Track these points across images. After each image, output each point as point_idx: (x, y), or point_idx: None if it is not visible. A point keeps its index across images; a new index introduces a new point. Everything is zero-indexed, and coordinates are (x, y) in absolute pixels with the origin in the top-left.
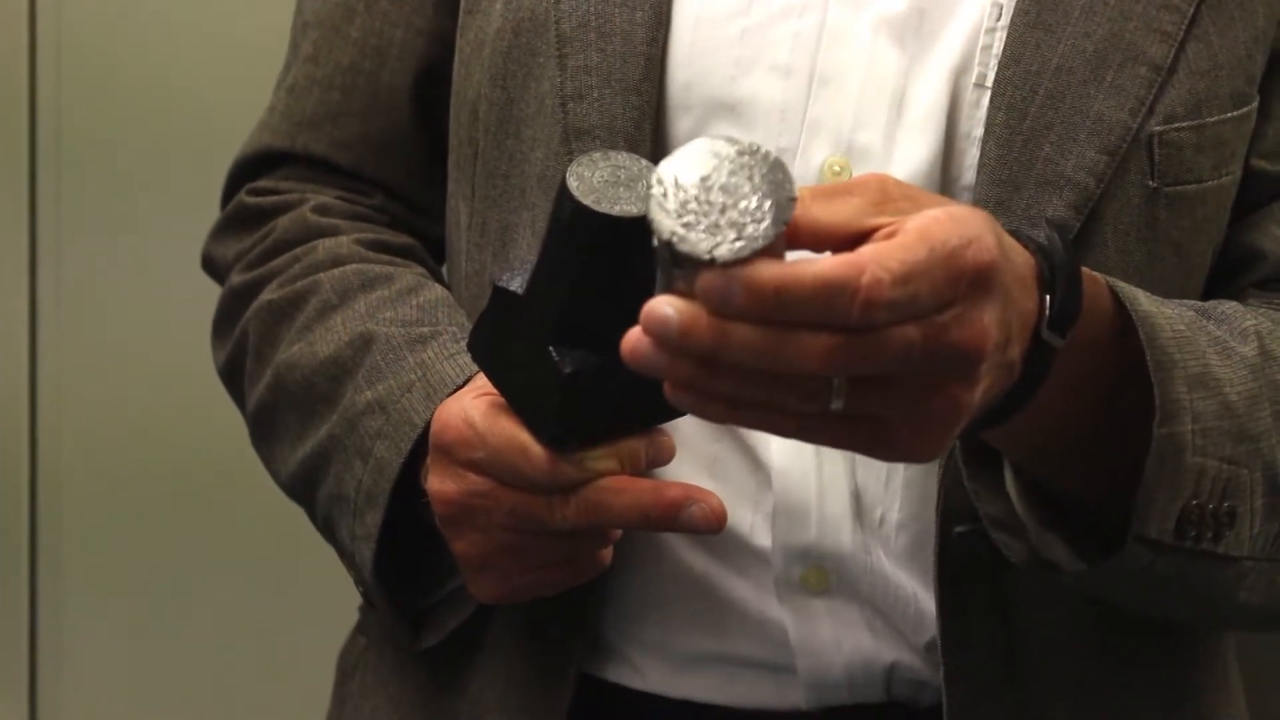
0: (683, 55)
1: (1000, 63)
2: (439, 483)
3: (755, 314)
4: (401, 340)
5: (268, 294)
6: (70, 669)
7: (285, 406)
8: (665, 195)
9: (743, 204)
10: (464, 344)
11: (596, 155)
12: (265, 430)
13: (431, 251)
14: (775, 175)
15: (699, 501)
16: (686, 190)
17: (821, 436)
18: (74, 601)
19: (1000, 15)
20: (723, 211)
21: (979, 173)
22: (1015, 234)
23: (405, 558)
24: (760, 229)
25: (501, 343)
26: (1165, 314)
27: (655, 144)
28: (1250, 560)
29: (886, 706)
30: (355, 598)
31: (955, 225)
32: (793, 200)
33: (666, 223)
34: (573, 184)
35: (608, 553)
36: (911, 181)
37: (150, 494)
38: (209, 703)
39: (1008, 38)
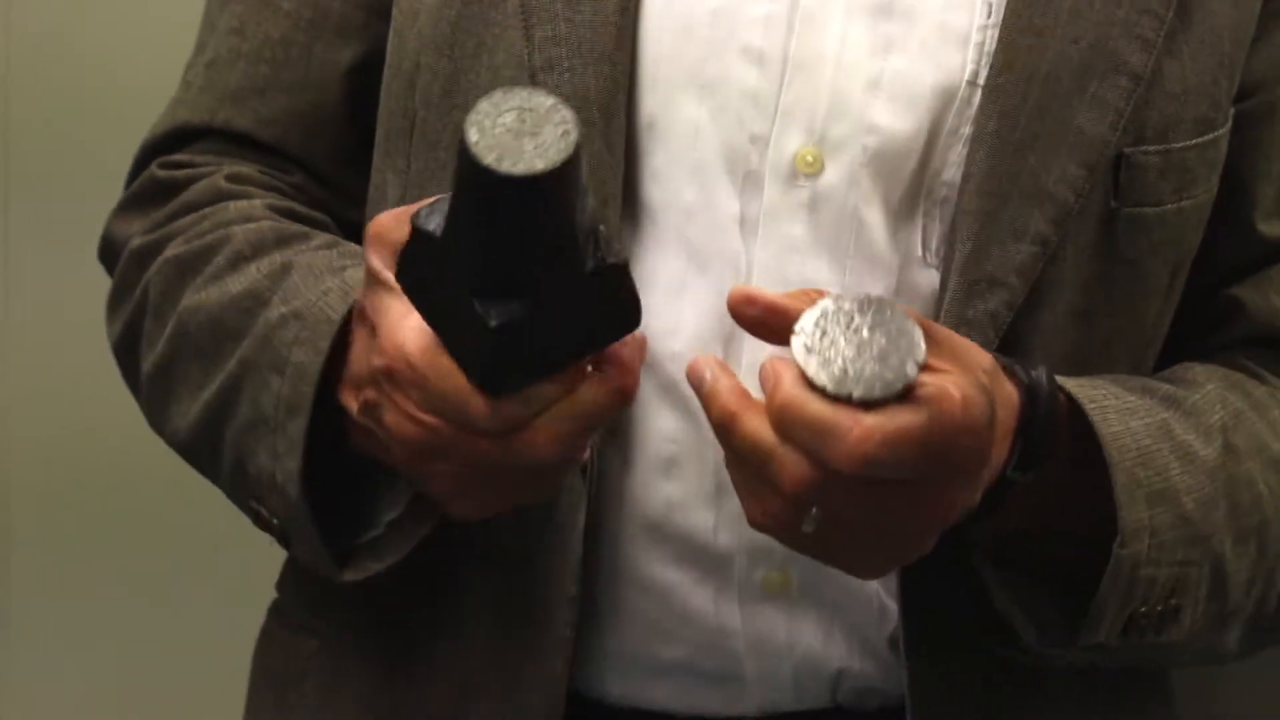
0: (653, 29)
1: (994, 66)
2: (395, 420)
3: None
4: (324, 267)
5: (171, 250)
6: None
7: (186, 356)
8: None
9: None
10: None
11: (498, 96)
12: (160, 392)
13: (345, 234)
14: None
15: (629, 352)
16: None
17: (786, 539)
18: (23, 606)
19: (990, 13)
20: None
21: (966, 180)
22: (1009, 369)
23: (322, 499)
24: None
25: (427, 281)
26: (1132, 429)
27: (628, 117)
28: (1188, 639)
29: (832, 712)
30: None
31: (963, 411)
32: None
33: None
34: (473, 139)
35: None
36: (883, 174)
37: (102, 498)
38: (161, 708)
39: (1000, 38)
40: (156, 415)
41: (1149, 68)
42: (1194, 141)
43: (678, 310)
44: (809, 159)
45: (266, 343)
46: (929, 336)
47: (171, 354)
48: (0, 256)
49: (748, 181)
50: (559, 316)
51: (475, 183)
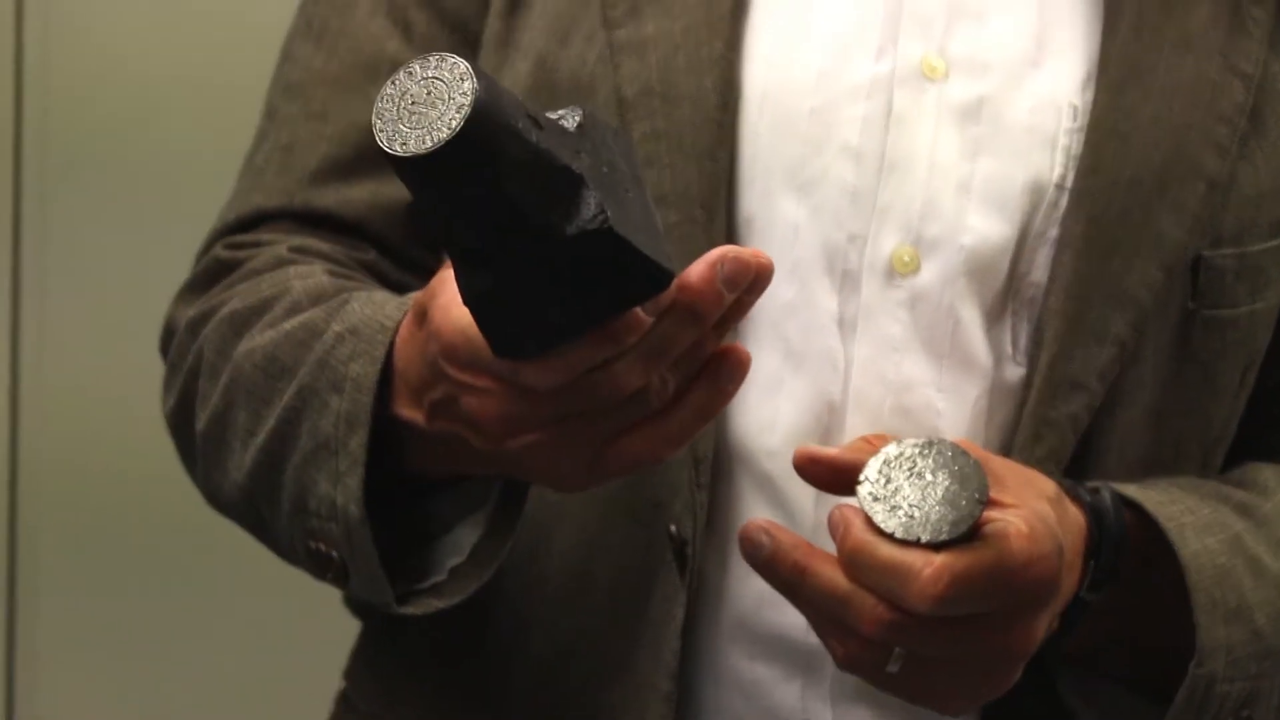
0: (752, 126)
1: (1080, 169)
2: (476, 403)
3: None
4: (384, 297)
5: (226, 309)
6: (48, 675)
7: (239, 403)
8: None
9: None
10: None
11: (414, 66)
12: (213, 448)
13: None
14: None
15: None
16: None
17: (873, 680)
18: (52, 607)
19: (1076, 116)
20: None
21: (1052, 282)
22: (1073, 493)
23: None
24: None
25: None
26: (1209, 547)
27: (728, 214)
28: None
29: None
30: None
31: (1030, 543)
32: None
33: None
34: (375, 122)
35: (741, 355)
36: (978, 274)
37: (131, 502)
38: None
39: (1086, 142)
40: (211, 476)
41: (1225, 173)
42: (1269, 244)
43: (774, 407)
44: (906, 258)
45: (323, 366)
46: (990, 471)
47: (225, 406)
48: (37, 257)
49: (846, 280)
50: (542, 281)
51: (392, 164)
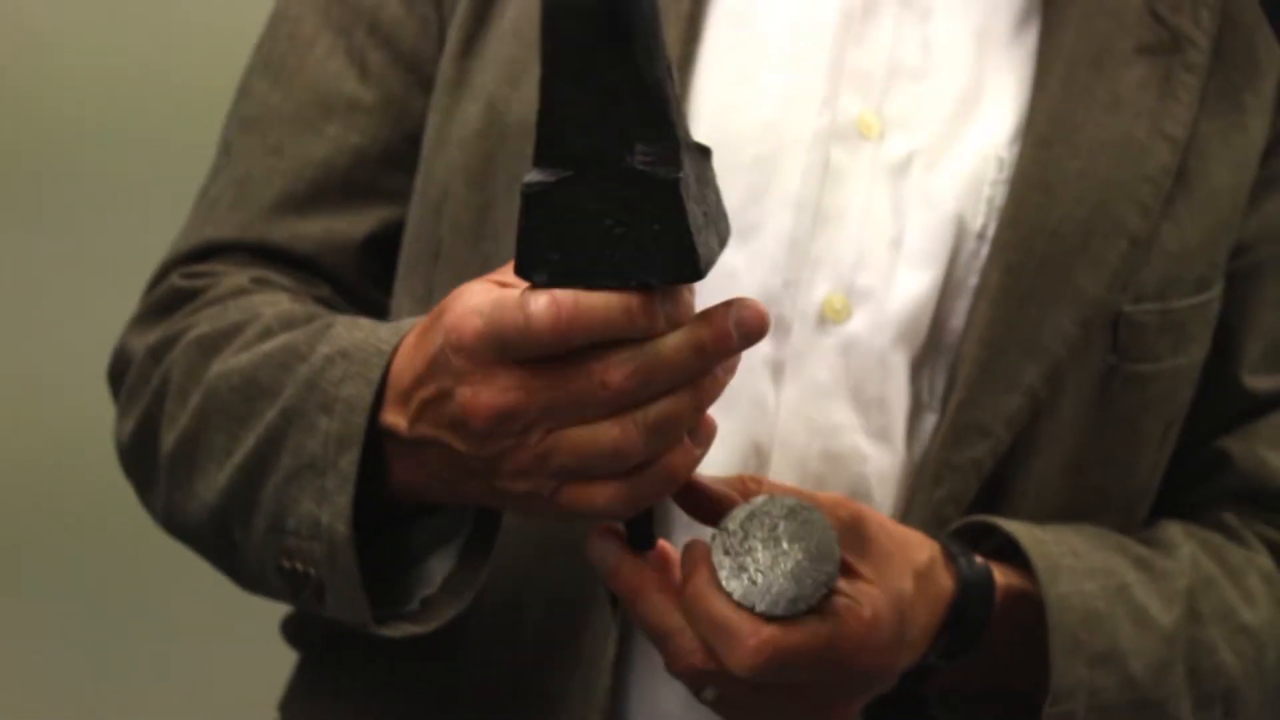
0: None
1: (1001, 220)
2: (469, 393)
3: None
4: (368, 323)
5: (194, 333)
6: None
7: (214, 425)
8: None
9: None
10: None
11: None
12: (182, 470)
13: None
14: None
15: (740, 305)
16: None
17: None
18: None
19: (1002, 168)
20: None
21: (968, 329)
22: (951, 562)
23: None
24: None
25: None
26: (1084, 590)
27: None
28: None
29: None
30: None
31: (869, 630)
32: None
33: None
34: None
35: (711, 427)
36: (905, 324)
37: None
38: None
39: (1010, 194)
40: (174, 499)
41: (1148, 231)
42: (1192, 301)
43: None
44: (837, 305)
45: (312, 386)
46: (863, 535)
47: (197, 427)
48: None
49: (778, 325)
50: (596, 206)
51: (542, 14)
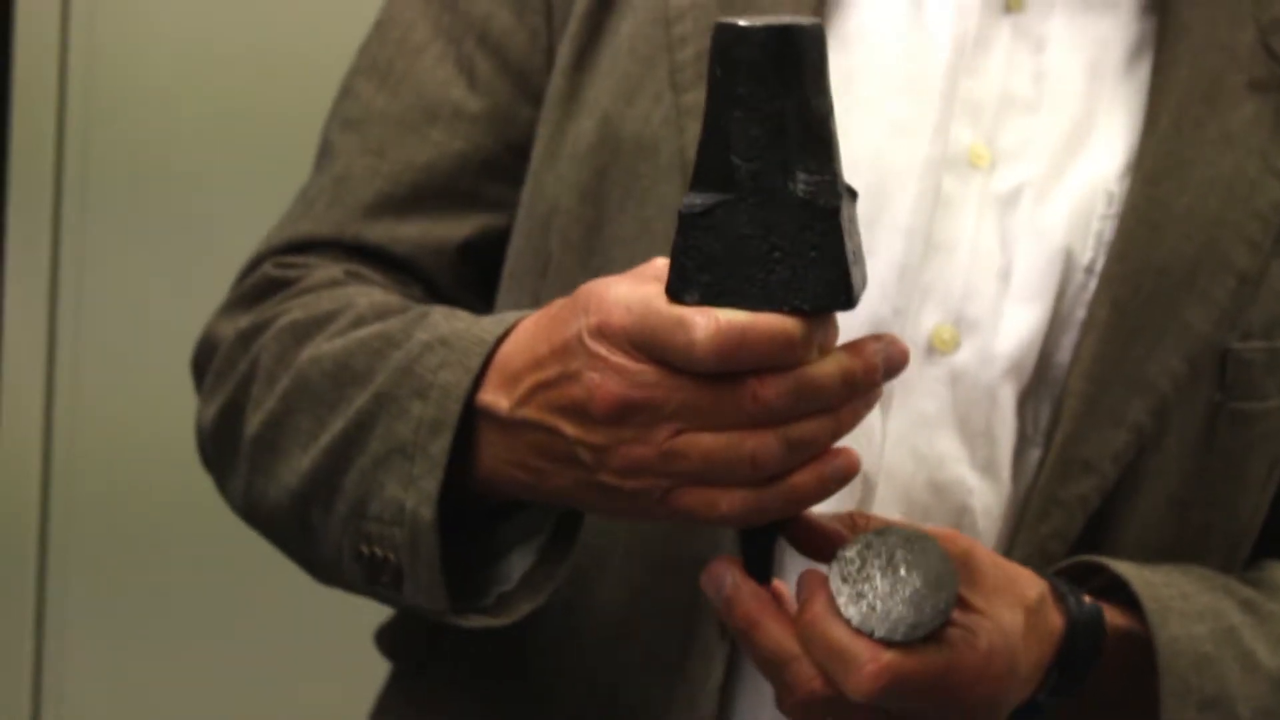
0: None
1: (1110, 255)
2: (599, 378)
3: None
4: (470, 315)
5: (287, 318)
6: (74, 673)
7: (301, 407)
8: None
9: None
10: None
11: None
12: (265, 453)
13: None
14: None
15: (889, 341)
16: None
17: None
18: (80, 604)
19: (1111, 203)
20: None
21: (1074, 364)
22: (1061, 600)
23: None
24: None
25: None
26: (1193, 634)
27: None
28: None
29: None
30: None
31: (983, 661)
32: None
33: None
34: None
35: (851, 460)
36: (1013, 357)
37: (164, 500)
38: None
39: (1119, 228)
40: (255, 483)
41: (1256, 268)
42: None
43: None
44: (945, 336)
45: (407, 373)
46: (975, 569)
47: (284, 410)
48: (76, 254)
49: None
50: (754, 230)
51: (713, 41)
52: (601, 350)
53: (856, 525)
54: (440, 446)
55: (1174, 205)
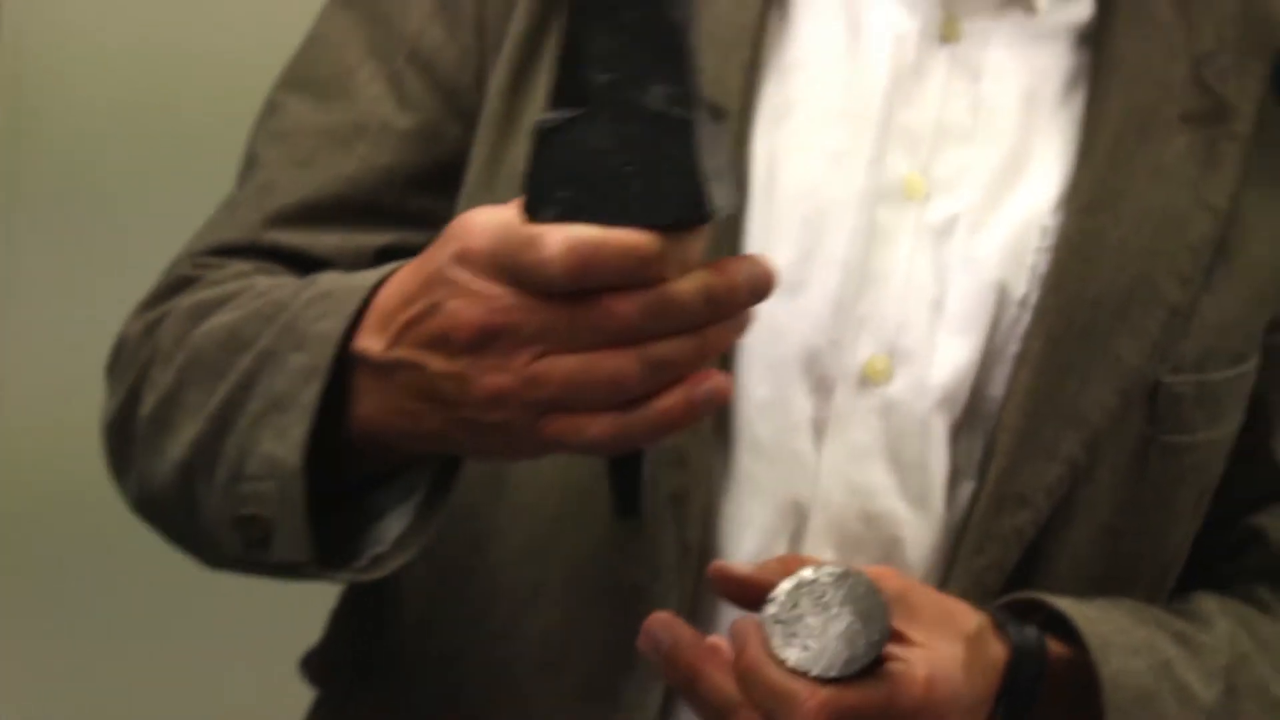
0: (755, 224)
1: (1044, 288)
2: (458, 305)
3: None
4: (361, 273)
5: (187, 303)
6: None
7: (192, 383)
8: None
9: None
10: None
11: None
12: (156, 433)
13: None
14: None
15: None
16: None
17: None
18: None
19: (1045, 236)
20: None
21: (1008, 398)
22: (1001, 628)
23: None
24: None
25: None
26: (1132, 668)
27: None
28: None
29: None
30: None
31: (925, 691)
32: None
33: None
34: None
35: (720, 384)
36: (946, 390)
37: (87, 507)
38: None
39: (1053, 262)
40: (147, 465)
41: (1188, 301)
42: (1229, 373)
43: (750, 505)
44: (879, 367)
45: (289, 329)
46: (912, 604)
47: (177, 386)
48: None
49: (821, 385)
50: (608, 144)
51: None
52: (463, 277)
53: (788, 568)
54: (311, 394)
55: (1107, 238)
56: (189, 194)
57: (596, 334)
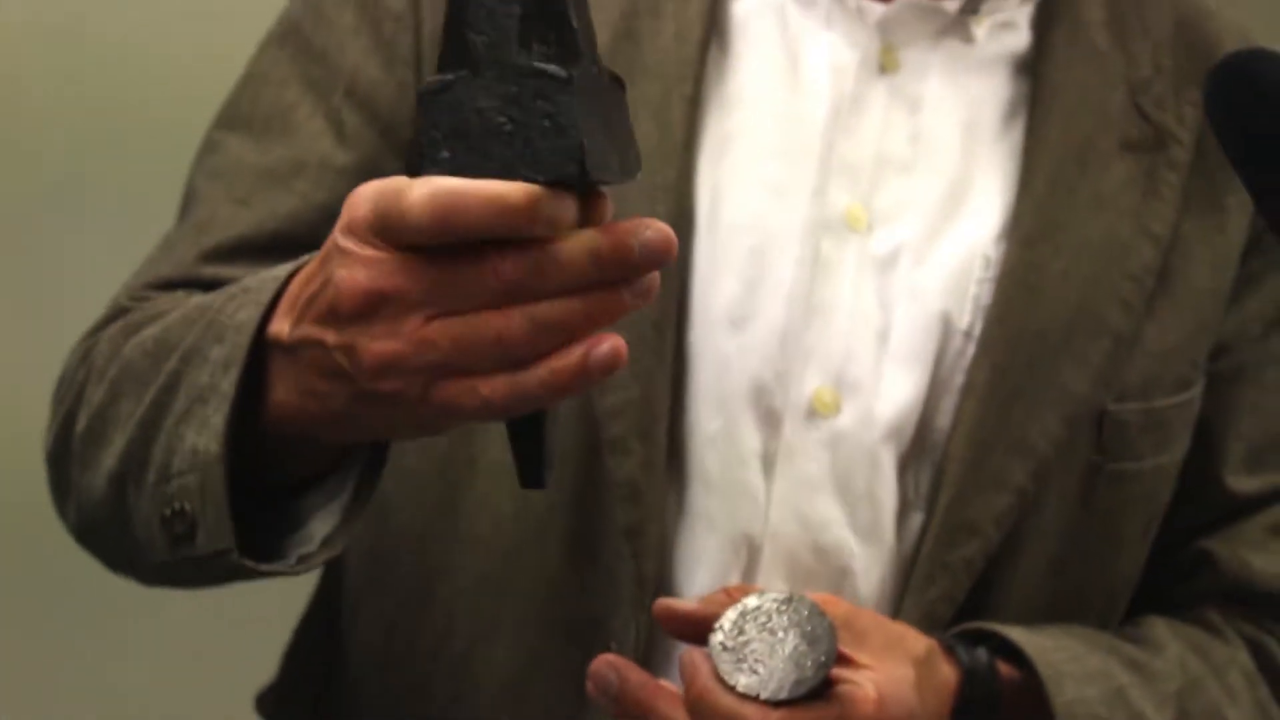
0: (700, 256)
1: (988, 319)
2: (343, 274)
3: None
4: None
5: (119, 323)
6: None
7: (123, 395)
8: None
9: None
10: None
11: None
12: (90, 448)
13: None
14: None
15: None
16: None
17: None
18: None
19: (988, 267)
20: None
21: (955, 428)
22: (950, 651)
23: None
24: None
25: None
26: (1086, 697)
27: (678, 336)
28: None
29: None
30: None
31: (876, 710)
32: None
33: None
34: None
35: (617, 346)
36: (893, 423)
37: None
38: None
39: (996, 293)
40: (82, 483)
41: (1131, 329)
42: (1174, 400)
43: (702, 539)
44: (827, 399)
45: (210, 325)
46: (859, 630)
47: (109, 399)
48: None
49: (769, 417)
50: (488, 103)
51: None
52: (350, 246)
53: (734, 599)
54: (229, 381)
55: (1050, 268)
56: (153, 201)
57: (482, 294)
